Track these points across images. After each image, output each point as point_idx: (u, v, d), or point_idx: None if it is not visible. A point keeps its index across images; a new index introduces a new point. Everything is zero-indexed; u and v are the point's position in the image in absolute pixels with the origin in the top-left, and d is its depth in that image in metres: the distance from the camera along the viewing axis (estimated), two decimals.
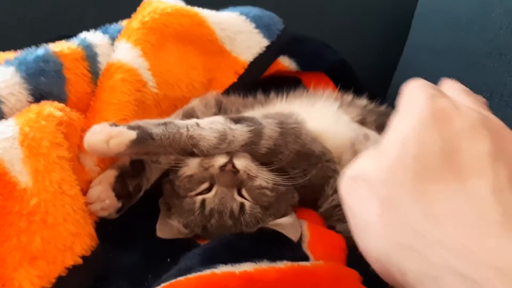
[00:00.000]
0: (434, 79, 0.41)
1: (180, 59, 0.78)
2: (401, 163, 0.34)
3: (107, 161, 0.63)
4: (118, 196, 0.61)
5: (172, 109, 0.75)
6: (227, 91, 0.83)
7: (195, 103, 0.76)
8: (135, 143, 0.58)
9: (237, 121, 0.64)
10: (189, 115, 0.73)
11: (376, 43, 1.21)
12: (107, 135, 0.57)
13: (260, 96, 0.81)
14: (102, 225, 0.60)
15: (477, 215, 0.31)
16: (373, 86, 0.99)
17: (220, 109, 0.76)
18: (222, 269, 0.52)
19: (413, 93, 0.37)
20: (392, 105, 0.78)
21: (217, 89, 0.82)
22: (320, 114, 0.75)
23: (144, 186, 0.66)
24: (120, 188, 0.62)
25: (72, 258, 0.50)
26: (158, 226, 0.65)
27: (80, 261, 0.51)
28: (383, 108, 0.84)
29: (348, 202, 0.37)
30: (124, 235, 0.62)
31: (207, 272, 0.52)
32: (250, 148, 0.64)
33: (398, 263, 0.32)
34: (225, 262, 0.54)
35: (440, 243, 0.30)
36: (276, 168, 0.65)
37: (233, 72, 0.84)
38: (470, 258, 0.29)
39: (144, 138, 0.59)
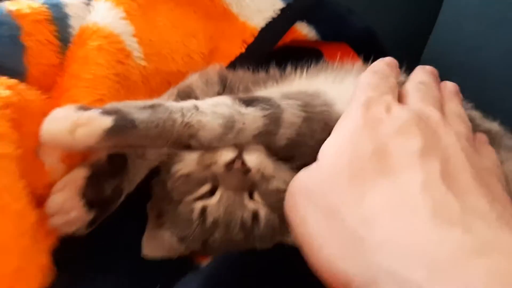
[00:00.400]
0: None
1: (174, 23, 0.62)
2: (336, 171, 0.37)
3: (75, 156, 0.47)
4: (90, 204, 0.46)
5: (164, 87, 0.59)
6: (233, 64, 0.67)
7: (193, 79, 0.60)
8: (111, 133, 0.42)
9: (248, 103, 0.49)
10: (186, 94, 0.57)
11: (406, 17, 1.06)
12: (73, 122, 0.41)
13: (273, 70, 0.65)
14: (67, 245, 0.45)
15: (409, 210, 0.32)
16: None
17: (224, 87, 0.60)
18: None
19: (354, 96, 0.45)
20: None
21: (221, 62, 0.66)
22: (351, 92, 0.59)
23: (126, 188, 0.51)
24: (92, 194, 0.46)
25: None
26: (144, 241, 0.50)
27: None
28: None
29: (291, 218, 0.40)
30: (98, 257, 0.48)
31: None
32: (266, 139, 0.49)
33: (344, 270, 0.33)
34: None
35: (377, 244, 0.31)
36: (299, 165, 0.50)
37: (240, 40, 0.69)
38: (402, 255, 0.30)
39: (123, 126, 0.43)
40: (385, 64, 0.52)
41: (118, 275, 0.47)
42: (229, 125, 0.47)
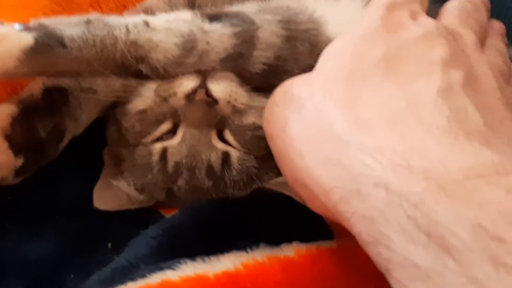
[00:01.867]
0: None
1: None
2: (333, 74, 0.32)
3: None
4: (17, 147, 0.37)
5: (119, 12, 0.49)
6: None
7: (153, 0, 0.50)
8: (31, 53, 0.33)
9: (214, 18, 0.40)
10: None
11: None
12: None
13: None
14: None
15: (416, 117, 0.28)
16: None
17: (193, 10, 0.50)
18: (185, 271, 0.30)
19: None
20: None
21: None
22: (349, 12, 0.49)
23: (69, 130, 0.42)
24: (21, 135, 0.38)
25: None
26: (96, 191, 0.42)
27: None
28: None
29: (270, 128, 0.35)
30: (37, 208, 0.39)
31: (156, 279, 0.29)
32: (237, 63, 0.40)
33: (324, 179, 0.29)
34: (197, 249, 0.34)
35: (367, 150, 0.27)
36: None
37: None
38: (399, 166, 0.26)
39: (47, 45, 0.34)
40: None
41: (57, 233, 0.38)
42: (189, 45, 0.38)
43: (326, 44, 0.43)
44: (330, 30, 0.45)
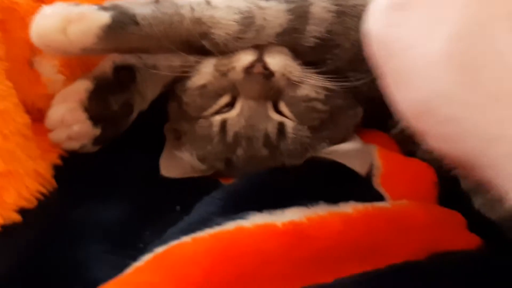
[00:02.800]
0: None
1: None
2: None
3: (75, 66, 0.42)
4: (95, 119, 0.41)
5: None
6: None
7: None
8: (109, 31, 0.37)
9: None
10: None
11: None
12: (64, 18, 0.36)
13: None
14: (74, 164, 0.41)
15: None
16: None
17: None
18: (255, 220, 0.33)
19: None
20: None
21: None
22: None
23: (137, 105, 0.45)
24: (97, 108, 0.41)
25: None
26: (162, 161, 0.45)
27: (16, 217, 0.32)
28: None
29: (390, 36, 0.26)
30: (110, 178, 0.43)
31: (231, 226, 0.32)
32: (291, 38, 0.43)
33: (456, 116, 0.23)
34: (260, 208, 0.36)
35: None
36: (330, 70, 0.44)
37: None
38: None
39: (122, 22, 0.38)
40: None
41: (131, 198, 0.42)
42: (247, 21, 0.41)
43: None
44: None
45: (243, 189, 0.40)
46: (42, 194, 0.35)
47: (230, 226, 0.32)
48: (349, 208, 0.36)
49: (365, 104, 0.48)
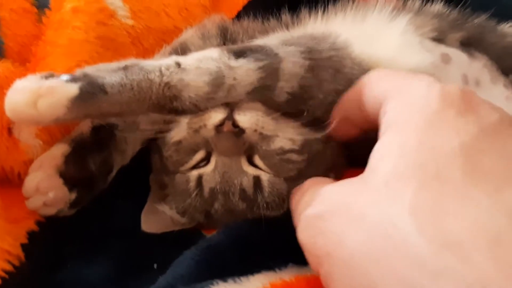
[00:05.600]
0: None
1: None
2: (399, 174, 0.27)
3: (53, 131, 0.43)
4: (71, 183, 0.42)
5: (160, 48, 0.53)
6: (239, 15, 0.59)
7: (188, 34, 0.54)
8: (78, 102, 0.38)
9: (239, 54, 0.42)
10: (179, 53, 0.51)
11: None
12: (33, 93, 0.37)
13: (286, 16, 0.56)
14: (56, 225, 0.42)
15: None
16: None
17: (225, 41, 0.53)
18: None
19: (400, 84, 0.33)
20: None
21: (226, 14, 0.58)
22: (374, 31, 0.50)
23: (116, 162, 0.46)
24: (74, 171, 0.43)
25: None
26: (143, 215, 0.46)
27: None
28: (470, 17, 0.57)
29: (321, 238, 0.30)
30: (93, 234, 0.44)
31: None
32: (263, 95, 0.43)
33: None
34: (230, 270, 0.37)
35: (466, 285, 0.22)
36: (309, 120, 0.44)
37: None
38: None
39: (91, 93, 0.38)
40: None
41: (113, 257, 0.43)
42: (217, 82, 0.41)
43: (351, 68, 0.45)
44: (356, 51, 0.47)
45: (218, 245, 0.41)
46: (14, 267, 0.36)
47: None
48: None
49: (350, 144, 0.47)
